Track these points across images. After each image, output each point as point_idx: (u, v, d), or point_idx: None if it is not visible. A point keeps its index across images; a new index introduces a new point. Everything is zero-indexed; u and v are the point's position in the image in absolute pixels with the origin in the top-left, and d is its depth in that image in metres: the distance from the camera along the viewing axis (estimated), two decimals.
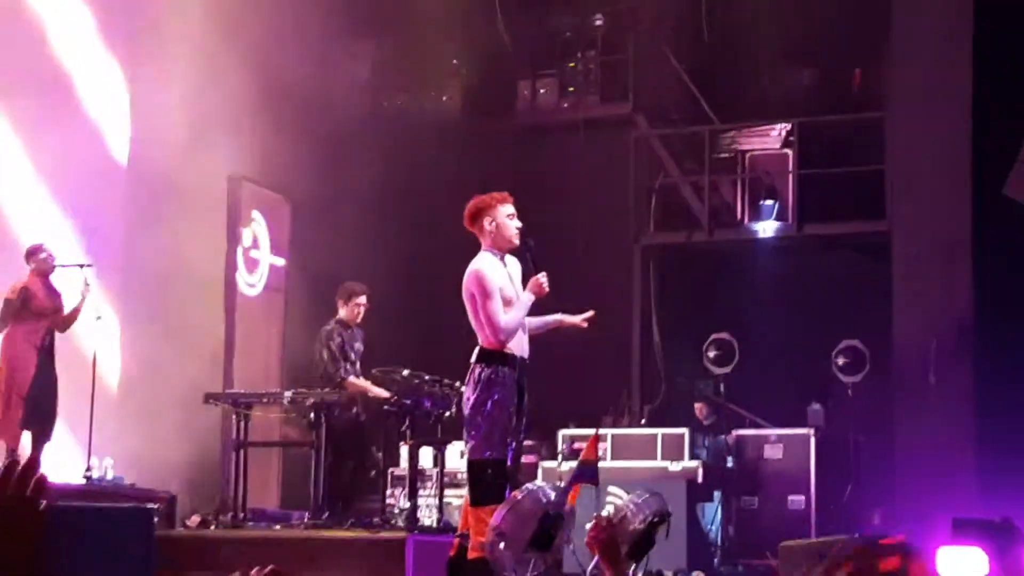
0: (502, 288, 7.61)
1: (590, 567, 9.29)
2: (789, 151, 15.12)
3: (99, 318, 11.72)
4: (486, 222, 7.64)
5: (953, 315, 13.08)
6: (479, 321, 7.62)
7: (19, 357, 10.80)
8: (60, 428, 11.07)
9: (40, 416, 10.83)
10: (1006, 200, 12.62)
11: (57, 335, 11.06)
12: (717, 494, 12.96)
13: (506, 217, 7.68)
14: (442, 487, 11.90)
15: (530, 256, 7.74)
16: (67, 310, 11.06)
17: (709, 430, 13.68)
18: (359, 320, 11.41)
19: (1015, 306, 12.46)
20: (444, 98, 16.22)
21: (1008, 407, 12.11)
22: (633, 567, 9.20)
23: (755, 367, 14.29)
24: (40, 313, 10.83)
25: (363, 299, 11.40)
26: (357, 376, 11.24)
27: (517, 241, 7.70)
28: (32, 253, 10.95)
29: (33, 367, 10.78)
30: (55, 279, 11.08)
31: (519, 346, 7.70)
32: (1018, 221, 12.55)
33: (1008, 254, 12.62)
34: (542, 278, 7.66)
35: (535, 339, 7.93)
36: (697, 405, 14.01)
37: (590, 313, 7.92)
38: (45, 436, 10.91)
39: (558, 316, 7.89)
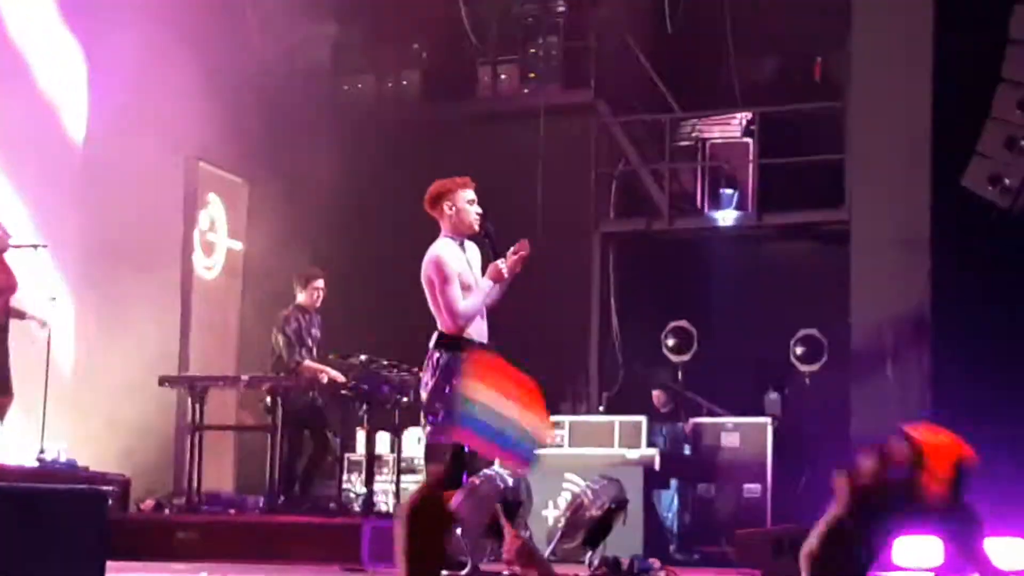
0: (461, 274, 7.58)
1: (546, 552, 9.29)
2: (750, 140, 15.13)
3: (54, 299, 11.61)
4: (446, 206, 7.61)
5: (911, 305, 13.12)
6: (437, 307, 7.59)
7: None
8: (13, 409, 10.96)
9: None
10: (965, 191, 12.67)
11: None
12: (674, 482, 12.98)
13: (466, 202, 7.64)
14: (399, 472, 11.89)
15: (489, 242, 7.69)
16: (18, 293, 10.94)
17: (666, 418, 13.69)
18: (318, 305, 11.36)
19: (972, 297, 12.51)
20: (404, 82, 16.13)
21: (964, 397, 12.15)
22: (590, 553, 9.20)
23: (713, 355, 14.31)
24: None
25: (320, 283, 11.36)
26: (315, 362, 11.19)
27: (477, 227, 7.67)
28: None
29: None
30: (9, 258, 10.96)
31: (478, 331, 7.67)
32: (976, 212, 12.59)
33: (966, 245, 12.66)
34: (501, 264, 7.62)
35: (497, 323, 7.89)
36: (655, 393, 14.02)
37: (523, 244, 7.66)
38: None
39: (490, 273, 7.63)
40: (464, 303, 7.50)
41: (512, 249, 7.59)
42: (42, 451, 11.21)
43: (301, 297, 11.34)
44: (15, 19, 12.50)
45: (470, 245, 7.77)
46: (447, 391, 7.50)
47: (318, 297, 11.35)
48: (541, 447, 7.61)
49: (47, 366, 11.39)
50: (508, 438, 7.52)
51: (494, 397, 7.29)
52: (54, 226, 11.97)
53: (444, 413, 7.50)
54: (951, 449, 5.81)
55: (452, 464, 7.48)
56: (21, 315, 11.07)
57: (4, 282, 10.81)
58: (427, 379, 7.58)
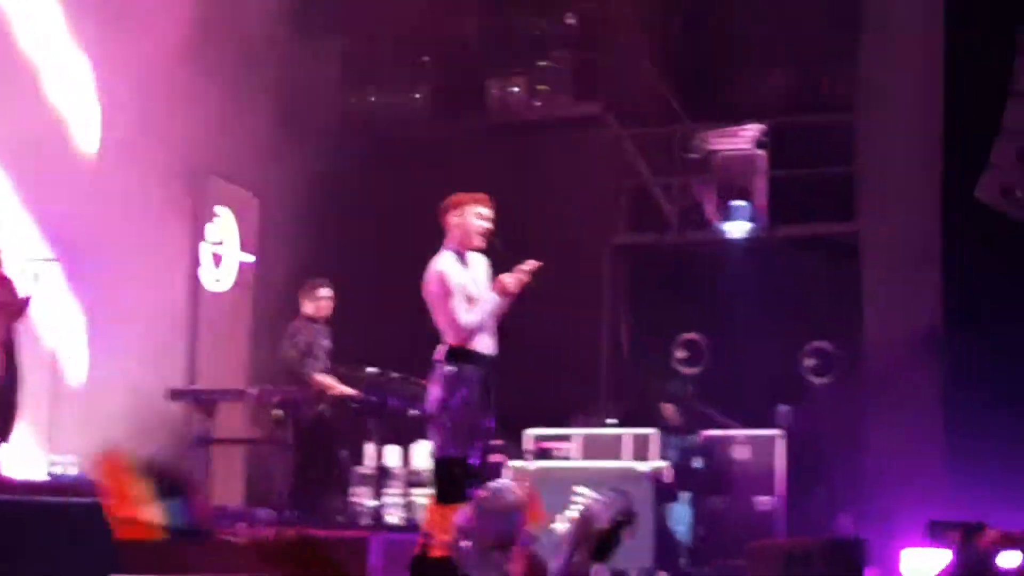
0: (464, 286, 7.57)
1: (555, 567, 9.24)
2: (761, 152, 15.08)
3: (62, 312, 11.60)
4: (454, 215, 7.62)
5: (922, 318, 13.07)
6: (440, 321, 7.59)
7: None
8: (21, 424, 10.94)
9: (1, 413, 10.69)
10: (977, 203, 12.61)
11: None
12: (685, 495, 12.91)
13: (474, 215, 7.66)
14: (408, 485, 11.85)
15: (497, 257, 7.70)
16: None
17: (677, 431, 13.63)
18: (324, 315, 11.30)
19: (984, 309, 12.46)
20: (414, 96, 16.12)
21: (977, 410, 12.10)
22: (597, 567, 9.14)
23: (724, 368, 14.26)
24: None
25: (325, 292, 11.28)
26: (323, 373, 11.15)
27: (480, 243, 7.67)
28: None
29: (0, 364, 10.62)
30: (8, 271, 10.93)
31: (485, 344, 7.65)
32: (988, 225, 12.54)
33: (978, 258, 12.61)
34: (506, 277, 7.60)
35: (505, 338, 7.87)
36: (664, 405, 13.95)
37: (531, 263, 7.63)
38: (3, 434, 10.76)
39: (495, 287, 7.60)
40: (467, 315, 7.49)
41: (519, 266, 7.58)
42: (52, 465, 11.19)
43: (308, 308, 11.30)
44: (23, 32, 12.51)
45: (475, 258, 7.75)
46: (454, 404, 7.48)
47: (325, 307, 11.29)
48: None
49: (55, 379, 11.38)
50: None
51: None
52: (64, 239, 11.95)
53: (451, 426, 7.48)
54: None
55: (459, 477, 7.46)
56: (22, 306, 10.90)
57: (4, 298, 10.74)
58: (434, 392, 7.56)
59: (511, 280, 7.57)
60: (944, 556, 8.91)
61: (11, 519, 6.66)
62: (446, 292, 7.50)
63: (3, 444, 10.75)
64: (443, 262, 7.59)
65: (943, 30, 13.10)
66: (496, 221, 7.76)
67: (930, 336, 12.99)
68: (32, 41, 12.61)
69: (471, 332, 7.51)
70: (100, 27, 12.83)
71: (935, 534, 7.84)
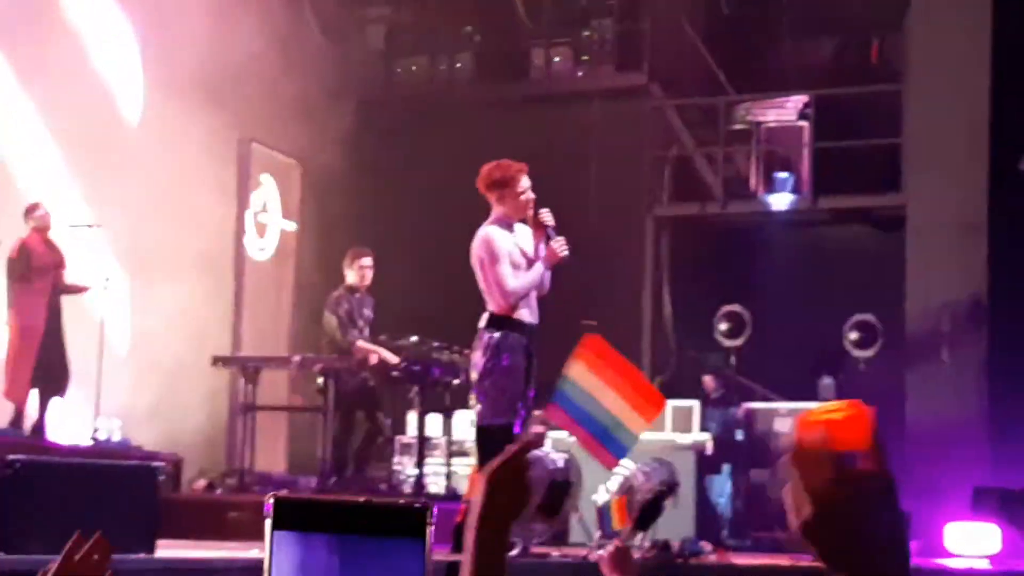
0: (511, 253, 7.60)
1: (596, 536, 9.26)
2: (805, 123, 14.99)
3: (108, 280, 11.68)
4: (506, 191, 7.62)
5: (967, 290, 12.99)
6: (488, 287, 7.60)
7: (28, 315, 10.77)
8: (68, 389, 11.04)
9: (49, 375, 10.82)
10: (1023, 175, 12.52)
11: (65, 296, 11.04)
12: (726, 467, 12.90)
13: (520, 189, 7.68)
14: (450, 455, 11.88)
15: (547, 228, 7.71)
16: (68, 270, 11.04)
17: (718, 403, 13.61)
18: (367, 284, 11.30)
19: None
20: (457, 65, 16.11)
21: (1021, 383, 12.03)
22: (640, 536, 9.16)
23: (767, 340, 14.22)
24: (42, 268, 10.80)
25: (367, 260, 11.27)
26: (365, 341, 11.18)
27: (530, 211, 7.71)
28: (29, 212, 10.95)
29: (42, 326, 10.77)
30: (55, 236, 11.05)
31: (529, 312, 7.67)
32: None
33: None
34: (555, 244, 7.63)
35: (549, 306, 7.89)
36: (705, 378, 13.92)
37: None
38: (56, 393, 10.89)
39: (546, 257, 7.70)
40: (515, 281, 7.52)
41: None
42: (96, 430, 11.29)
43: (350, 277, 11.30)
44: (68, 1, 12.56)
45: (520, 227, 7.78)
46: (497, 371, 7.50)
47: (365, 276, 11.27)
48: (634, 443, 7.62)
49: (101, 346, 11.46)
50: (601, 428, 7.54)
51: (598, 385, 7.33)
52: (108, 207, 12.03)
53: (494, 393, 7.50)
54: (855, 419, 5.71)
55: (503, 445, 7.48)
56: (80, 290, 11.17)
57: (51, 261, 10.90)
58: (477, 359, 7.57)
59: (559, 246, 7.62)
60: (991, 531, 8.85)
61: (60, 481, 6.72)
62: (493, 258, 7.53)
63: (51, 402, 10.89)
64: (490, 229, 7.62)
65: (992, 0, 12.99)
66: (539, 191, 7.78)
67: (975, 307, 12.91)
68: (77, 10, 12.66)
69: (516, 300, 7.53)
70: None
71: (980, 502, 7.78)
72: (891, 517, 1.76)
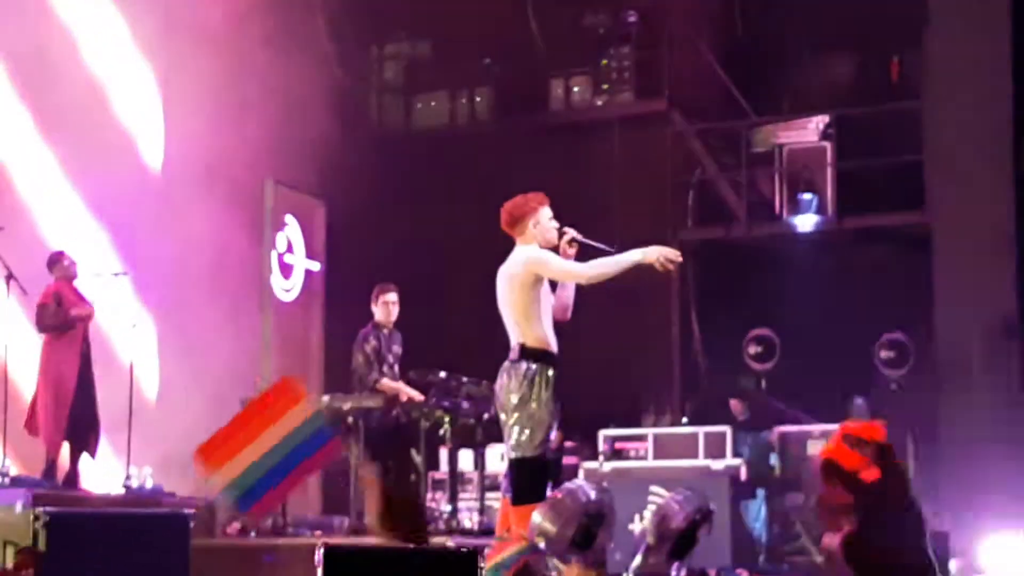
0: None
1: (632, 566, 9.18)
2: (827, 143, 14.94)
3: (135, 326, 11.67)
4: (530, 225, 7.59)
5: (997, 307, 12.90)
6: (516, 319, 7.55)
7: (62, 363, 10.67)
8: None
9: (80, 425, 10.77)
10: None
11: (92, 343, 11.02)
12: (760, 492, 12.81)
13: (547, 220, 7.66)
14: (483, 489, 11.82)
15: (578, 241, 7.68)
16: (99, 320, 11.00)
17: (748, 427, 13.52)
18: (393, 319, 11.25)
19: None
20: (477, 98, 16.13)
21: None
22: (677, 565, 9.08)
23: (797, 362, 14.12)
24: (78, 317, 10.73)
25: (392, 296, 11.20)
26: (394, 379, 11.13)
27: (556, 240, 7.68)
28: (54, 261, 10.83)
29: (75, 375, 10.69)
30: (82, 286, 11.01)
31: (554, 343, 7.63)
32: None
33: None
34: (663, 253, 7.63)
35: (578, 334, 7.85)
36: (732, 402, 13.83)
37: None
38: (86, 445, 10.83)
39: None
40: (589, 265, 7.50)
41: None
42: (128, 478, 11.26)
43: (377, 313, 11.25)
44: (90, 48, 12.62)
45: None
46: (532, 403, 7.46)
47: (392, 312, 11.21)
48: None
49: (131, 392, 11.45)
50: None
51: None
52: (133, 253, 12.05)
53: (529, 426, 7.46)
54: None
55: (537, 478, 7.43)
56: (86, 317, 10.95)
57: (81, 310, 10.80)
58: (512, 391, 7.50)
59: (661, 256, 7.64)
60: None
61: (93, 530, 6.71)
62: (544, 262, 7.50)
63: (83, 456, 10.83)
64: (527, 247, 7.57)
65: (1010, 12, 12.93)
66: (563, 222, 7.75)
67: (1005, 324, 12.82)
68: (99, 57, 12.71)
69: (590, 280, 7.48)
70: (166, 42, 12.93)
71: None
72: (910, 517, 1.75)
